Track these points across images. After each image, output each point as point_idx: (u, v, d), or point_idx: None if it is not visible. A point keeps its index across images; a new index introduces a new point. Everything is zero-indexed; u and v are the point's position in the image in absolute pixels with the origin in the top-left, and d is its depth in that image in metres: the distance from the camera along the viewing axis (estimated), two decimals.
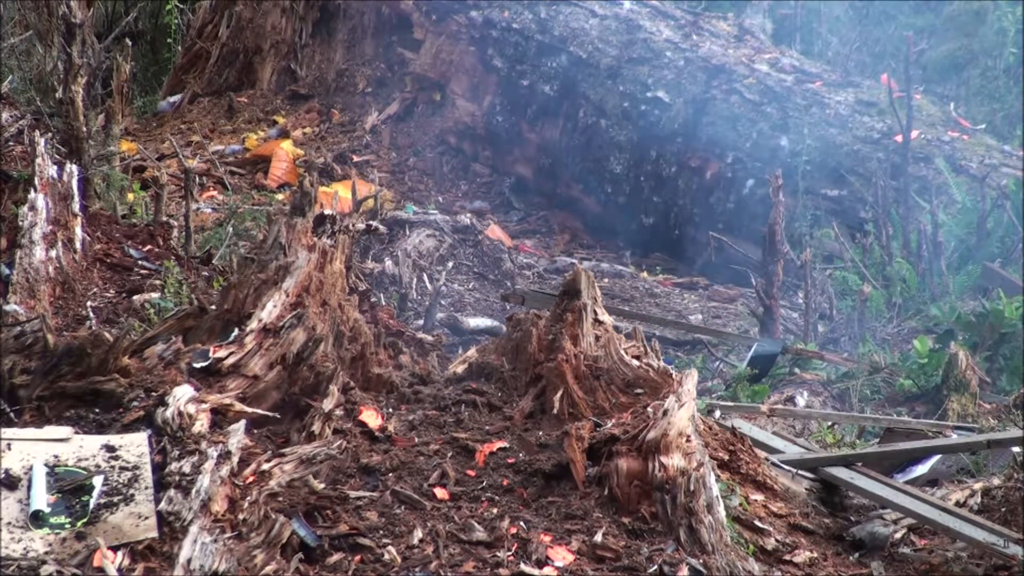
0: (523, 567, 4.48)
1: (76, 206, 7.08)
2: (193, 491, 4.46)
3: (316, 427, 5.03)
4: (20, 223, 6.73)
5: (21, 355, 5.05)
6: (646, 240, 13.56)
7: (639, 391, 5.36)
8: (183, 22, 16.20)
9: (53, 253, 6.77)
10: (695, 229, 13.21)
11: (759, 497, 5.43)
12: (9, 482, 4.48)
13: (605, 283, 11.68)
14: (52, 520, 4.37)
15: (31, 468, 4.52)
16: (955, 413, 7.83)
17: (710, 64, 13.57)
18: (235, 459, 4.66)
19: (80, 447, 4.65)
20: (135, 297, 6.92)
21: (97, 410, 4.91)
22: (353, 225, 10.38)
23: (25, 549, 4.26)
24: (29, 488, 4.46)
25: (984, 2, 17.07)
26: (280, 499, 4.62)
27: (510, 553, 4.54)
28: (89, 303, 6.74)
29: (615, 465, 4.87)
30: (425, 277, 10.33)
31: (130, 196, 9.85)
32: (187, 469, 4.56)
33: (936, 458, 6.31)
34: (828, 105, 13.06)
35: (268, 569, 4.33)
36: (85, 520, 4.39)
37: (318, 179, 9.93)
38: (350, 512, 4.67)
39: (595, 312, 5.56)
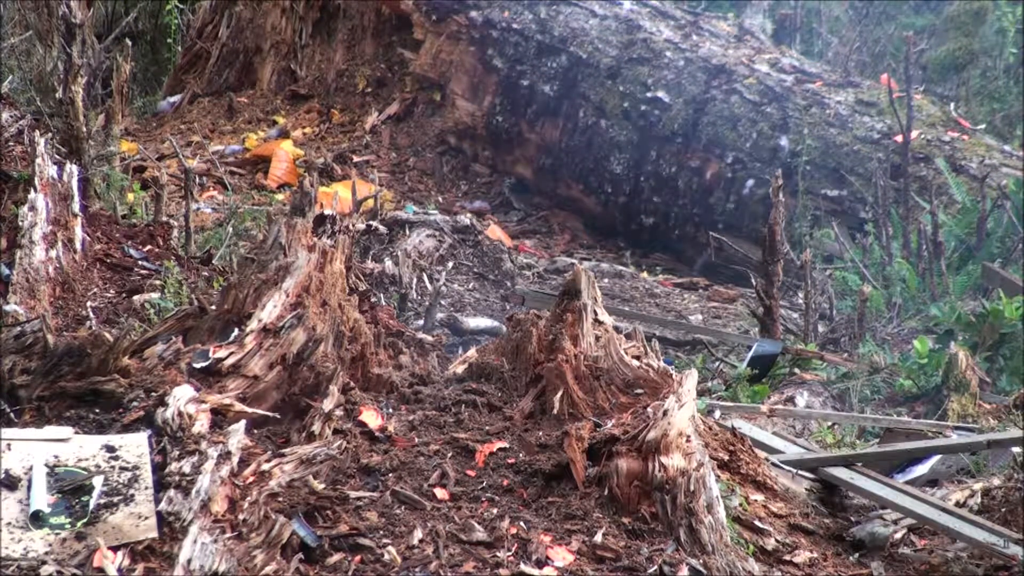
0: (523, 567, 4.48)
1: (76, 206, 7.07)
2: (193, 491, 4.46)
3: (316, 427, 5.03)
4: (20, 223, 6.72)
5: (21, 355, 5.04)
6: (646, 240, 13.56)
7: (639, 391, 5.36)
8: (183, 22, 16.19)
9: (53, 253, 6.77)
10: (695, 229, 13.21)
11: (759, 497, 5.43)
12: (9, 482, 4.47)
13: (605, 283, 11.68)
14: (52, 520, 4.37)
15: (31, 468, 4.52)
16: (955, 413, 7.82)
17: (710, 64, 13.57)
18: (235, 459, 4.66)
19: (80, 447, 4.65)
20: (135, 297, 6.91)
21: (97, 410, 4.90)
22: (353, 225, 10.41)
23: (25, 549, 4.26)
24: (29, 488, 4.45)
25: (984, 2, 17.08)
26: (280, 499, 4.62)
27: (510, 553, 4.54)
28: (89, 303, 6.74)
29: (615, 465, 4.87)
30: (425, 277, 10.32)
31: (130, 196, 9.85)
32: (187, 469, 4.56)
33: (936, 458, 6.31)
34: (828, 105, 13.06)
35: (268, 569, 4.33)
36: (85, 520, 4.38)
37: (318, 179, 9.91)
38: (350, 512, 4.66)
39: (595, 312, 5.56)
